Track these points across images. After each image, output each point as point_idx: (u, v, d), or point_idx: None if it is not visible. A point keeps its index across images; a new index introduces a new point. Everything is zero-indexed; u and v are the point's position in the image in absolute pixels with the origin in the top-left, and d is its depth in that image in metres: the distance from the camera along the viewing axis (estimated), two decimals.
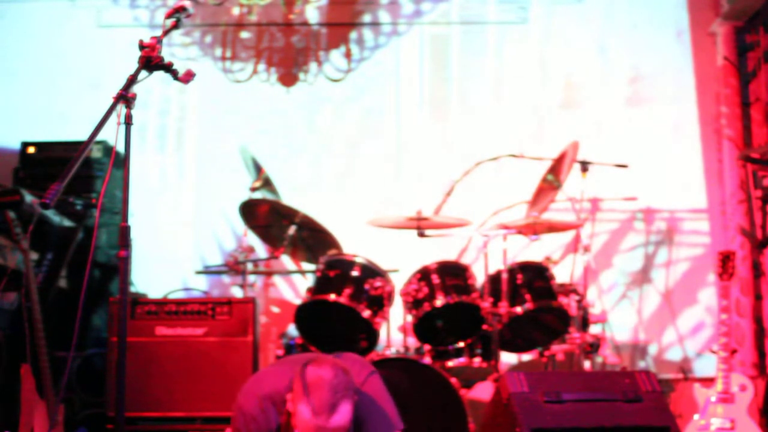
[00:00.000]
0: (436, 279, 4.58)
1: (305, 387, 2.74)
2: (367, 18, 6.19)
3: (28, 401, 3.78)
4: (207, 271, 5.68)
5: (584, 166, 5.15)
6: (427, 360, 4.38)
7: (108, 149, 5.37)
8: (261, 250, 5.58)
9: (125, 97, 2.67)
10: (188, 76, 2.82)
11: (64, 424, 3.84)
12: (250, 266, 5.11)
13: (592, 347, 4.73)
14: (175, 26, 2.88)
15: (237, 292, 5.47)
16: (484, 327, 4.57)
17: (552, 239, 5.46)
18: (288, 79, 6.11)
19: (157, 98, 6.12)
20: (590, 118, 5.96)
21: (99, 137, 2.65)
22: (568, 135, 5.27)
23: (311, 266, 5.12)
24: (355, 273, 4.54)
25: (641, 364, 5.69)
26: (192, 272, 5.68)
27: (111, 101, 2.68)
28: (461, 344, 4.64)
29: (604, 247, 5.84)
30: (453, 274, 4.64)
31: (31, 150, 5.45)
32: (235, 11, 6.14)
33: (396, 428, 3.01)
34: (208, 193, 6.02)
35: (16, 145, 5.55)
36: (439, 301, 4.53)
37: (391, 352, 4.49)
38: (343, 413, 2.73)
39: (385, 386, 3.08)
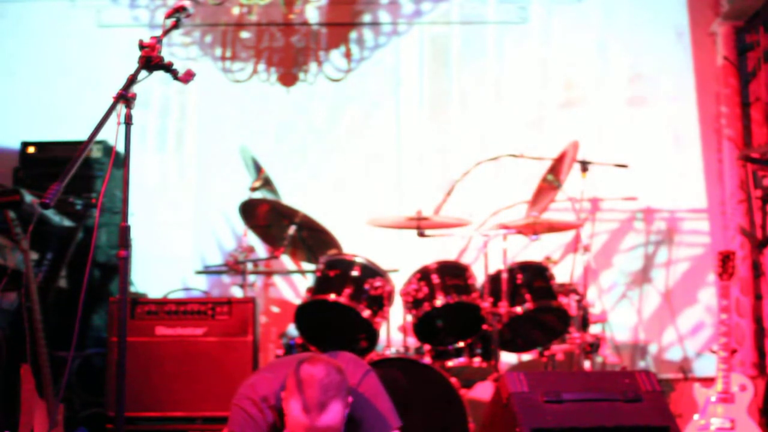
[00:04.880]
0: (436, 279, 4.58)
1: (297, 384, 2.75)
2: (367, 18, 6.19)
3: (28, 401, 3.78)
4: (207, 271, 5.68)
5: (584, 166, 5.15)
6: (427, 360, 4.38)
7: (108, 149, 5.36)
8: (261, 250, 5.58)
9: (125, 97, 2.67)
10: (188, 76, 2.82)
11: (64, 424, 3.84)
12: (250, 266, 5.11)
13: (592, 347, 4.73)
14: (175, 26, 2.88)
15: (237, 292, 5.47)
16: (484, 327, 4.57)
17: (552, 239, 5.46)
18: (288, 79, 6.11)
19: (157, 98, 6.12)
20: (590, 118, 5.96)
21: (99, 137, 2.65)
22: (568, 135, 5.27)
23: (311, 266, 5.12)
24: (355, 273, 4.53)
25: (641, 364, 5.69)
26: (192, 272, 5.68)
27: (111, 101, 2.68)
28: (461, 344, 4.64)
29: (604, 247, 5.84)
30: (453, 274, 4.63)
31: (31, 150, 5.45)
32: (235, 11, 6.14)
33: (393, 426, 3.01)
34: (208, 193, 6.02)
35: (16, 145, 5.55)
36: (439, 301, 4.53)
37: (391, 352, 4.49)
38: (334, 413, 2.72)
39: (382, 384, 3.08)
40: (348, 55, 6.13)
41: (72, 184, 2.69)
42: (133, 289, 5.42)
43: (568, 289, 4.72)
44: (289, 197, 5.31)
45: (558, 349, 4.67)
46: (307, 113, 6.10)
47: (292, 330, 4.91)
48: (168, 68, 2.78)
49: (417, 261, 4.76)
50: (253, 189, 5.08)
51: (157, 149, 6.10)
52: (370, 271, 4.56)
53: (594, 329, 5.03)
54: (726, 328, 4.27)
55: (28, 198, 4.33)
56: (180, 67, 2.82)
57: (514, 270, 4.64)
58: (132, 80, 2.71)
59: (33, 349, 3.82)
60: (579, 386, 3.65)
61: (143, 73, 2.75)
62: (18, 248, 3.98)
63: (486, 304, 4.53)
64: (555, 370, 4.65)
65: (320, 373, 2.75)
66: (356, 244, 5.05)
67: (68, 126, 5.63)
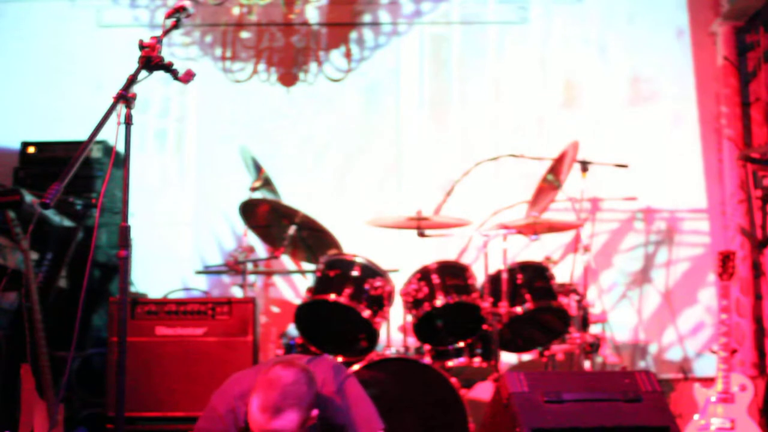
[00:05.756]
0: (436, 279, 4.58)
1: (263, 382, 2.75)
2: (367, 18, 6.19)
3: (28, 401, 3.78)
4: (207, 271, 5.68)
5: (584, 166, 5.15)
6: (427, 360, 4.37)
7: (108, 149, 5.37)
8: (261, 250, 5.58)
9: (125, 97, 2.67)
10: (188, 76, 2.81)
11: (64, 424, 3.84)
12: (250, 266, 5.10)
13: (592, 347, 4.73)
14: (175, 26, 2.88)
15: (237, 292, 5.47)
16: (484, 327, 4.57)
17: (552, 239, 5.46)
18: (288, 79, 6.11)
19: (157, 98, 6.12)
20: (590, 118, 5.96)
21: (99, 137, 2.65)
22: (568, 135, 5.27)
23: (311, 266, 5.12)
24: (355, 273, 4.53)
25: (641, 364, 5.70)
26: (192, 272, 5.68)
27: (111, 101, 2.68)
28: (461, 344, 4.64)
29: (604, 247, 5.84)
30: (453, 274, 4.63)
31: (31, 150, 5.45)
32: (235, 11, 6.14)
33: (376, 429, 3.01)
34: (208, 193, 6.02)
35: (16, 145, 5.55)
36: (439, 301, 4.52)
37: (391, 352, 4.49)
38: (288, 420, 2.71)
39: (363, 388, 3.08)
40: (348, 55, 6.13)
41: (72, 184, 2.69)
42: (133, 289, 5.42)
43: (568, 289, 4.72)
44: (289, 197, 5.30)
45: (558, 349, 4.67)
46: (307, 113, 6.10)
47: (292, 330, 4.91)
48: (168, 68, 2.78)
49: (417, 261, 4.75)
50: (253, 189, 5.08)
51: (157, 149, 6.10)
52: (370, 271, 4.56)
53: (594, 329, 5.03)
54: (726, 328, 4.27)
55: (28, 198, 4.34)
56: (180, 67, 2.81)
57: (514, 270, 4.64)
58: (132, 80, 2.71)
59: (33, 349, 3.82)
60: (579, 386, 3.65)
61: (143, 73, 2.75)
62: (18, 248, 3.98)
63: (486, 304, 4.52)
64: (555, 370, 4.65)
65: (288, 378, 2.75)
66: (356, 244, 5.05)
67: (68, 126, 5.64)
